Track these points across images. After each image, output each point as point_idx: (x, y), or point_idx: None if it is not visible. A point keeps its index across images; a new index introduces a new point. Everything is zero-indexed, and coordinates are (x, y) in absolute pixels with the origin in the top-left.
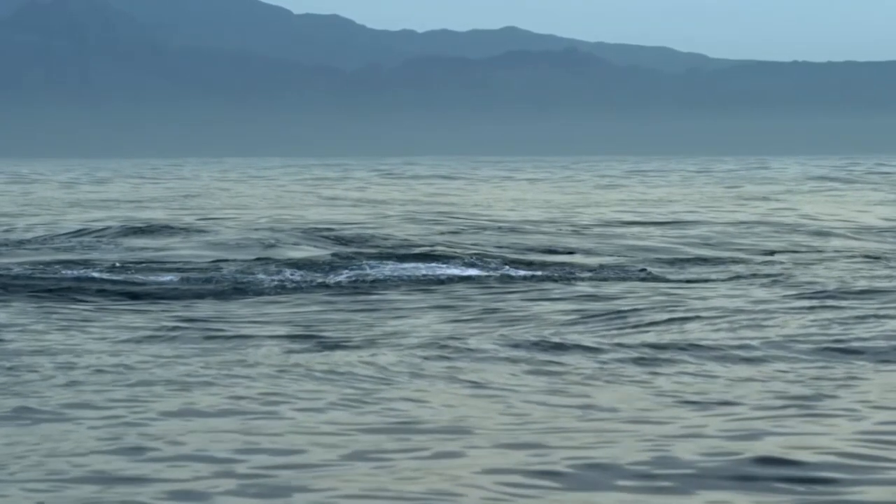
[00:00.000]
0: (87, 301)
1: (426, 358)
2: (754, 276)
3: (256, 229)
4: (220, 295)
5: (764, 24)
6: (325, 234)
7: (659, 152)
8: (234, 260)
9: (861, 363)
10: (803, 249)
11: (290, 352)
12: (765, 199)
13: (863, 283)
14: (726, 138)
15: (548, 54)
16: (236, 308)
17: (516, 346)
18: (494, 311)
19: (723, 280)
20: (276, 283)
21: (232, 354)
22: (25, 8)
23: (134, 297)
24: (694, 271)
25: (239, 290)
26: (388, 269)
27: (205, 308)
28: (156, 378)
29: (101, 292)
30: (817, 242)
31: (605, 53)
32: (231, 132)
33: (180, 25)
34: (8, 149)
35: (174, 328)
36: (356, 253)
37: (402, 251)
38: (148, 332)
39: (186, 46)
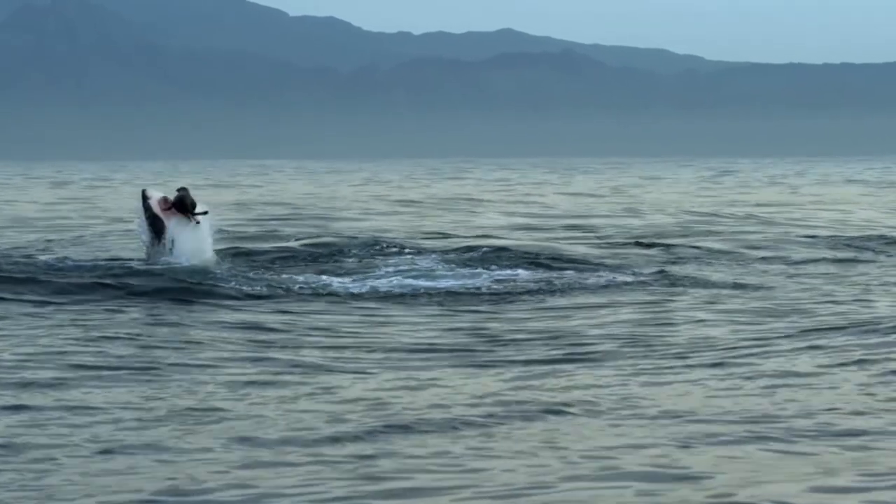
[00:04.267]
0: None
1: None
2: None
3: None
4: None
5: (760, 26)
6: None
7: (655, 154)
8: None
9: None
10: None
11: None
12: (757, 204)
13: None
14: (722, 140)
15: (544, 56)
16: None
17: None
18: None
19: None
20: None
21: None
22: (20, 10)
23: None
24: (701, 276)
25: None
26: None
27: (164, 309)
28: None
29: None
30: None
31: (601, 55)
32: (228, 133)
33: (176, 27)
34: (4, 151)
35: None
36: (336, 251)
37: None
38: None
39: (182, 48)
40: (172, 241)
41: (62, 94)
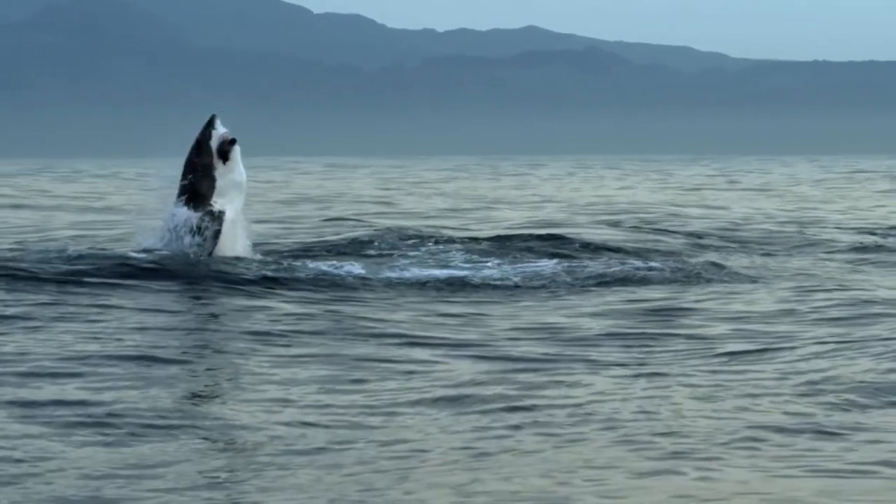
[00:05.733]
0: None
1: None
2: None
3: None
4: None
5: (784, 24)
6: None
7: (679, 151)
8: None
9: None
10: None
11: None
12: (779, 196)
13: None
14: (747, 138)
15: (568, 53)
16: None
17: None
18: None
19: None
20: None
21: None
22: (46, 9)
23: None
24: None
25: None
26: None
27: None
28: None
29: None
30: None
31: (625, 52)
32: (251, 132)
33: (200, 25)
34: (30, 149)
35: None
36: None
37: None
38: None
39: (206, 46)
40: (221, 203)
41: (88, 92)
